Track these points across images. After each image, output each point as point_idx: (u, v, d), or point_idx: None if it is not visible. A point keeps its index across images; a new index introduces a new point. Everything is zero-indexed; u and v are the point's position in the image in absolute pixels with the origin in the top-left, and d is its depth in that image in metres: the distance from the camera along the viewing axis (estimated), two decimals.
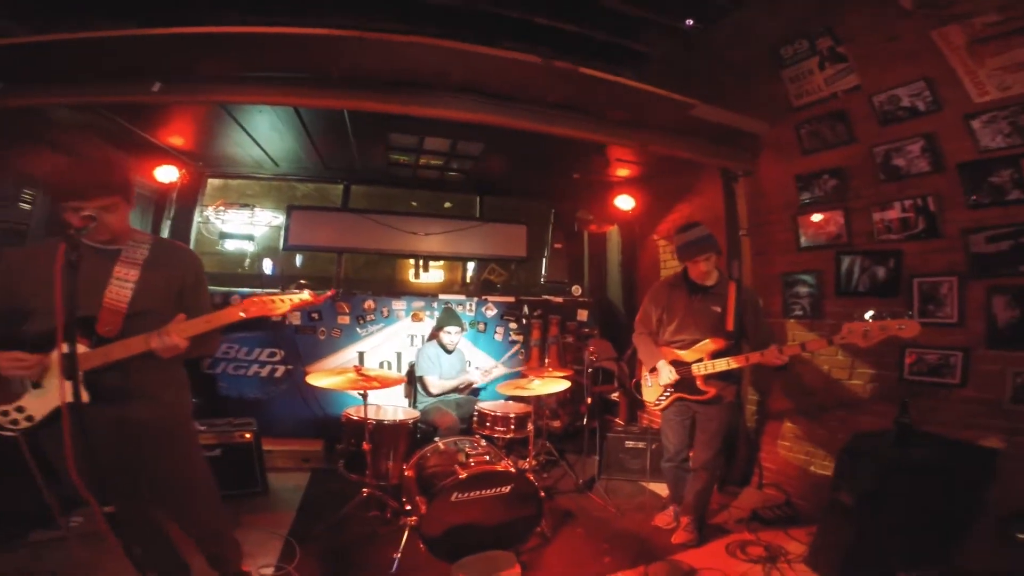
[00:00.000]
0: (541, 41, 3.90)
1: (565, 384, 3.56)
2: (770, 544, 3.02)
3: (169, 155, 4.32)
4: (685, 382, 3.02)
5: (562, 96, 3.26)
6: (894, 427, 2.73)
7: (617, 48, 4.23)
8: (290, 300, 2.00)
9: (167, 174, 4.33)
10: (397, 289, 5.58)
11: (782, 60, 3.66)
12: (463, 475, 2.80)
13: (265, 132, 3.94)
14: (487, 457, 3.03)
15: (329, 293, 2.24)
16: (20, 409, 1.84)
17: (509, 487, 2.91)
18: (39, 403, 1.83)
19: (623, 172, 4.71)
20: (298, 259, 5.57)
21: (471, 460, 2.95)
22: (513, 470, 2.98)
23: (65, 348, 1.67)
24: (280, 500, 3.64)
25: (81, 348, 1.81)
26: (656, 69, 4.36)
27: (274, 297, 1.98)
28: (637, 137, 3.52)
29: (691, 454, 3.18)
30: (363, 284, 5.26)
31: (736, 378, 3.12)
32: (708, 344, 2.96)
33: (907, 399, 2.73)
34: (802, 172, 3.68)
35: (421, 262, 5.58)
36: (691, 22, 4.02)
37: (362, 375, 3.26)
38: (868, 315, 2.53)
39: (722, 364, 2.89)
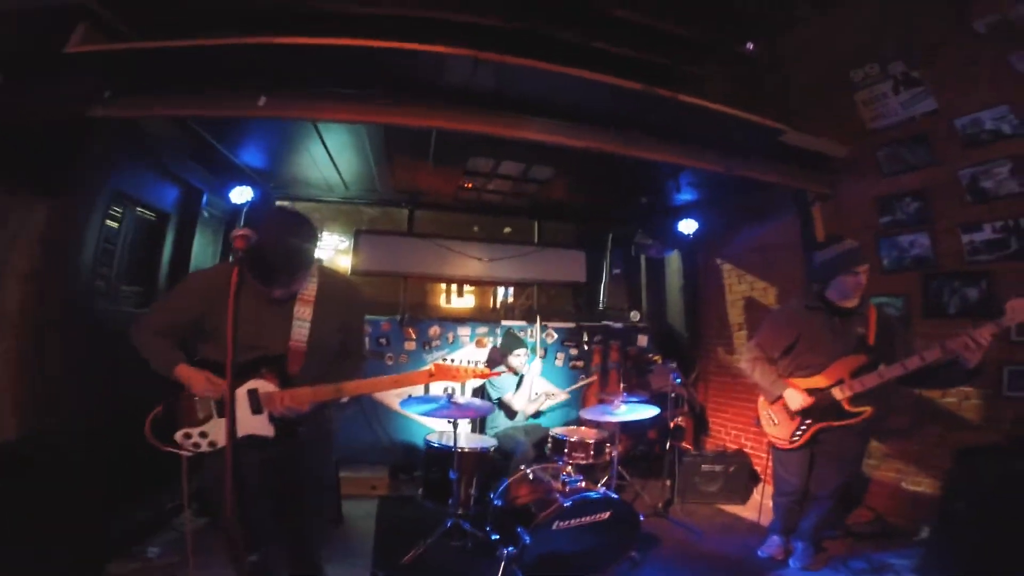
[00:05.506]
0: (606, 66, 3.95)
1: (653, 411, 3.54)
2: (871, 557, 3.05)
3: (244, 175, 4.33)
4: (826, 409, 2.82)
5: (655, 121, 3.35)
6: (1008, 441, 2.77)
7: (678, 73, 4.30)
8: (473, 371, 2.16)
9: (242, 194, 4.28)
10: (429, 314, 5.59)
11: (853, 84, 3.74)
12: (566, 503, 2.79)
13: (347, 153, 3.99)
14: (583, 484, 3.03)
15: (495, 373, 2.57)
16: (204, 434, 1.92)
17: (608, 513, 2.91)
18: (223, 432, 1.84)
19: (692, 195, 4.79)
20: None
21: (568, 488, 2.96)
22: (614, 496, 2.98)
23: (258, 384, 1.91)
24: (354, 529, 3.60)
25: (270, 386, 1.89)
26: (719, 92, 4.43)
27: (459, 367, 2.15)
28: (723, 162, 3.60)
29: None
30: (391, 308, 5.14)
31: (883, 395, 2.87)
32: (845, 362, 2.79)
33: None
34: (882, 194, 3.75)
35: (455, 287, 5.62)
36: (751, 46, 4.07)
37: (454, 402, 3.29)
38: None
39: (873, 379, 2.68)
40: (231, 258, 1.88)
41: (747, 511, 4.05)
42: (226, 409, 1.66)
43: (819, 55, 3.91)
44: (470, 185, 4.67)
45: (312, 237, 1.90)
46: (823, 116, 3.95)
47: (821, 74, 3.95)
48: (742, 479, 4.23)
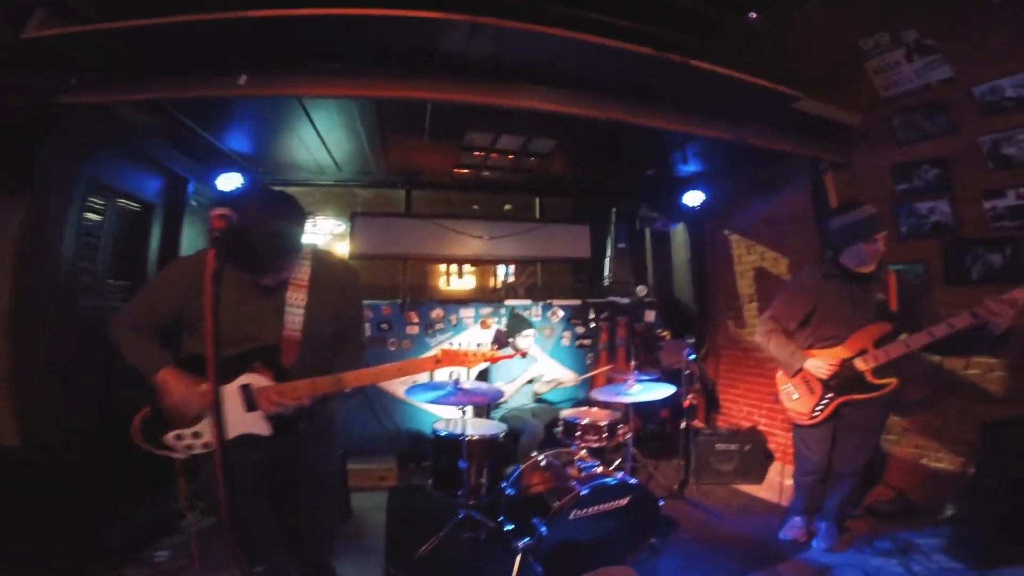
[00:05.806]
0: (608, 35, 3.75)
1: (669, 389, 3.43)
2: (896, 536, 2.94)
3: (231, 160, 4.12)
4: (849, 381, 2.68)
5: (663, 89, 3.17)
6: None
7: (685, 44, 4.10)
8: (482, 355, 2.03)
9: (230, 181, 4.01)
10: (431, 296, 5.45)
11: (863, 52, 3.56)
12: (583, 491, 2.68)
13: (337, 133, 3.77)
14: (598, 469, 2.93)
15: (506, 355, 2.28)
16: (197, 435, 1.76)
17: (627, 499, 2.81)
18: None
19: (698, 167, 4.62)
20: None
21: (583, 474, 2.85)
22: (632, 481, 2.88)
23: (250, 379, 1.74)
24: (365, 523, 3.50)
25: (264, 380, 1.74)
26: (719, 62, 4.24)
27: (467, 351, 2.01)
28: (734, 130, 3.43)
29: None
30: (392, 292, 4.98)
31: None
32: (868, 331, 2.64)
33: None
34: (898, 162, 3.59)
35: (455, 268, 5.47)
36: (754, 15, 3.91)
37: (461, 388, 3.16)
38: None
39: (899, 348, 2.54)
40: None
41: (763, 491, 3.97)
42: (212, 409, 1.49)
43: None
44: (464, 172, 4.48)
45: (299, 219, 1.75)
46: (832, 87, 3.71)
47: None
48: (757, 458, 4.12)
